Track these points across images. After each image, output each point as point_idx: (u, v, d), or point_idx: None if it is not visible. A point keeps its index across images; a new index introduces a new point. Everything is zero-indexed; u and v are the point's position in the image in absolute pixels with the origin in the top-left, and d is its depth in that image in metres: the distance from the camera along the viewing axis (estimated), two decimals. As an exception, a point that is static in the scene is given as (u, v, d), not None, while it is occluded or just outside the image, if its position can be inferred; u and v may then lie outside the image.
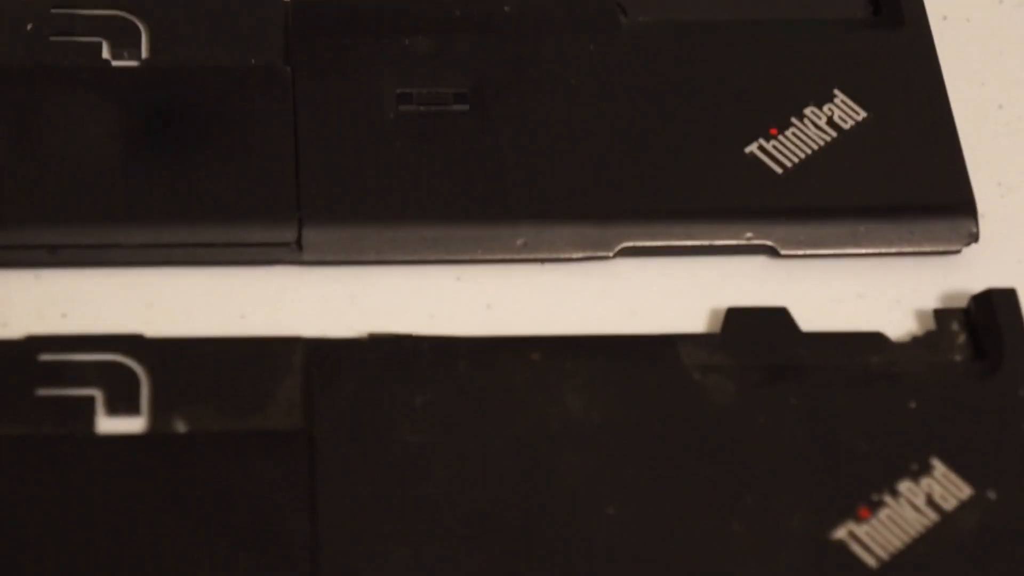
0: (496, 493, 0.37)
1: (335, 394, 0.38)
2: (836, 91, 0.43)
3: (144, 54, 0.42)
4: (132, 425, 0.38)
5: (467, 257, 0.41)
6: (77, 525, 0.36)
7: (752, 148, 0.42)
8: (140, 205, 0.40)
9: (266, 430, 0.38)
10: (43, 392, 0.38)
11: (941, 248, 0.41)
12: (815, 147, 0.42)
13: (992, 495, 0.37)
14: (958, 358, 0.40)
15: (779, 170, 0.42)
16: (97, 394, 0.38)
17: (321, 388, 0.38)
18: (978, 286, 0.40)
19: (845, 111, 0.43)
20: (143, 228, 0.40)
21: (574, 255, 0.41)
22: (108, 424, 0.38)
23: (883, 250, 0.41)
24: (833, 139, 0.42)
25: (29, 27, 0.42)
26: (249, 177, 0.41)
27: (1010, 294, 0.40)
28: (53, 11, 0.42)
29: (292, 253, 0.41)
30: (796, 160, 0.42)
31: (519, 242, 0.41)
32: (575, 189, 0.41)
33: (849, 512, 0.37)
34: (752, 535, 0.37)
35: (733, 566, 0.36)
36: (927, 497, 0.37)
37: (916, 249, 0.41)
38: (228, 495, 0.37)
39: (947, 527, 0.37)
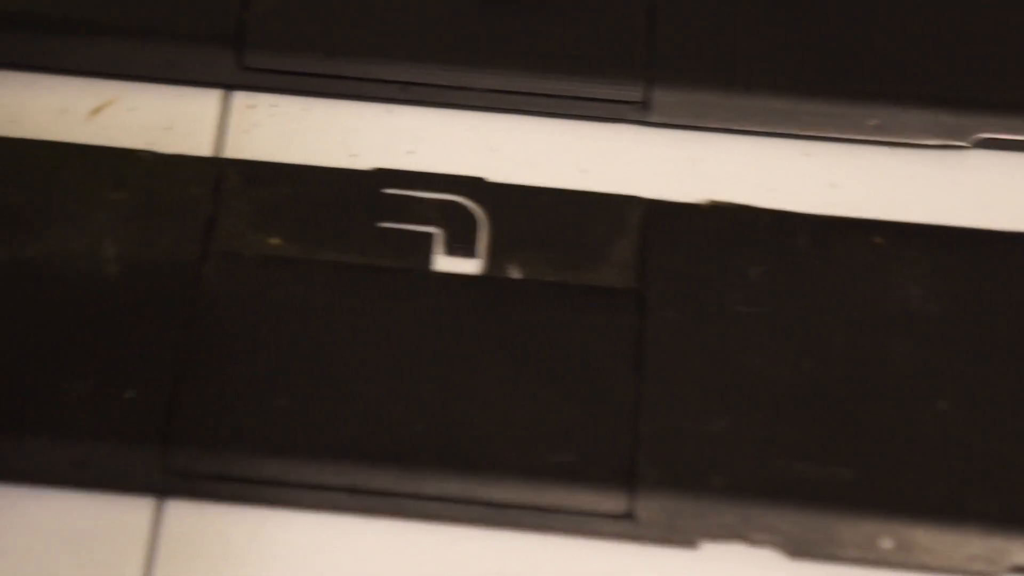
0: (823, 373, 0.36)
1: (670, 257, 0.38)
2: None
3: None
4: (467, 266, 0.38)
5: (816, 133, 0.40)
6: (406, 355, 0.37)
7: None
8: (493, 50, 0.40)
9: (598, 285, 0.38)
10: (385, 225, 0.39)
11: None
12: None
13: None
14: None
15: None
16: (436, 232, 0.39)
17: (657, 250, 0.38)
18: None
19: None
20: (494, 73, 0.40)
21: (928, 141, 0.40)
22: (444, 263, 0.38)
23: None
24: None
25: None
26: (603, 32, 0.41)
27: None
28: None
29: (638, 112, 0.40)
30: None
31: (871, 123, 0.40)
32: (935, 72, 0.40)
33: None
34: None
35: (1066, 475, 0.35)
36: None
37: None
38: (556, 344, 0.37)
39: None
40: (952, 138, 0.39)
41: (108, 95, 0.40)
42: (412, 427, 0.36)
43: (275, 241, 0.38)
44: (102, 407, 0.35)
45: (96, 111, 0.40)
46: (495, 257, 0.38)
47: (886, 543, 0.35)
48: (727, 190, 0.40)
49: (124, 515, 0.35)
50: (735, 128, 0.40)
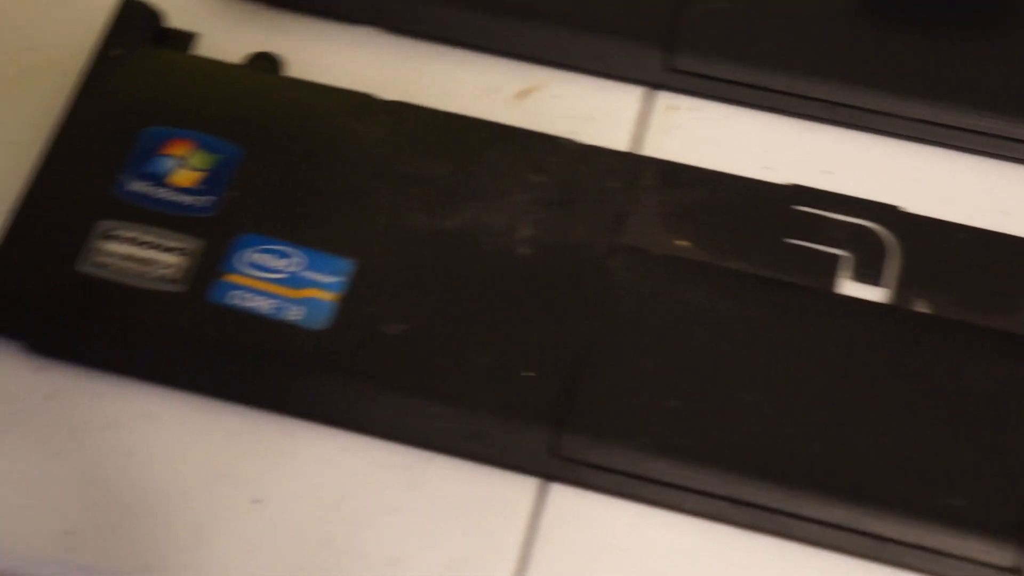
0: None
1: (1089, 311, 0.37)
2: None
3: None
4: (872, 293, 0.38)
5: None
6: (801, 374, 0.36)
7: None
8: (926, 80, 0.40)
9: (1009, 331, 0.37)
10: (793, 241, 0.38)
11: None
12: None
13: None
14: None
15: None
16: (844, 256, 0.38)
17: (1076, 302, 0.37)
18: None
19: None
20: (924, 103, 0.39)
21: None
22: (849, 287, 0.38)
23: None
24: None
25: None
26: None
27: None
28: None
29: (1071, 159, 0.39)
30: None
31: None
32: None
33: None
34: None
35: None
36: None
37: None
38: (958, 384, 0.36)
39: None
40: None
41: (535, 80, 0.41)
42: (801, 447, 0.35)
43: (683, 243, 0.38)
44: (500, 383, 0.36)
45: (522, 94, 0.41)
46: (903, 288, 0.37)
47: None
48: None
49: (510, 491, 0.35)
50: None
